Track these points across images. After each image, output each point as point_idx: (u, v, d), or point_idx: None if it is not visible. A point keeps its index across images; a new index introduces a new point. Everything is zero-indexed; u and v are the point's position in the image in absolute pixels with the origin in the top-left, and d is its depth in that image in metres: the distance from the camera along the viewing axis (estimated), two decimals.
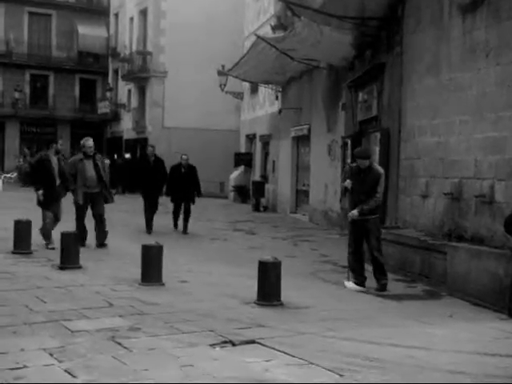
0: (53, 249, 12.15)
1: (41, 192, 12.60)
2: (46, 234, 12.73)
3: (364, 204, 10.03)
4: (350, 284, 10.10)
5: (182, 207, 17.22)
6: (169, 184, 17.07)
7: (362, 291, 9.92)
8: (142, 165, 17.09)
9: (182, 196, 17.04)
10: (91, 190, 13.22)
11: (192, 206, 17.25)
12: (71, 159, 13.84)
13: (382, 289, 9.95)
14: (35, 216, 12.70)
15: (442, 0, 11.83)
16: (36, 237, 12.49)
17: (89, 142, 13.39)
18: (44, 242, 12.69)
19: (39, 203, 12.83)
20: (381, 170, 10.31)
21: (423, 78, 12.55)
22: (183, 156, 17.40)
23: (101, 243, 13.33)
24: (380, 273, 10.10)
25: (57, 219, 12.96)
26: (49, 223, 12.75)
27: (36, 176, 12.97)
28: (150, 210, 16.61)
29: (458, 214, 10.97)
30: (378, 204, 10.15)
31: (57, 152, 13.14)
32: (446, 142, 11.50)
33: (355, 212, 10.09)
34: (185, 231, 17.05)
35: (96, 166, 13.29)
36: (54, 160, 12.88)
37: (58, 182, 12.82)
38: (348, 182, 10.26)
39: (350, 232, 10.36)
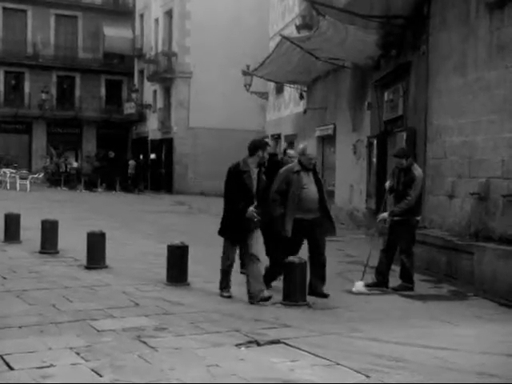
0: (229, 297, 8.86)
1: (252, 210, 8.53)
2: (223, 273, 8.98)
3: (395, 206, 9.95)
4: (359, 283, 9.87)
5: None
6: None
7: (366, 293, 9.66)
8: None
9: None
10: (308, 216, 9.08)
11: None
12: (282, 170, 9.41)
13: (399, 288, 9.85)
14: (60, 216, 12.70)
15: None
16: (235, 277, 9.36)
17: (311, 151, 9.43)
18: (258, 295, 8.57)
19: (223, 232, 8.90)
20: (418, 172, 10.00)
21: (449, 76, 12.44)
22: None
23: (318, 291, 9.13)
24: (403, 276, 10.02)
25: (253, 256, 8.66)
26: (223, 260, 8.95)
27: (232, 192, 8.74)
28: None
29: (485, 213, 10.86)
30: (409, 207, 9.85)
31: (260, 164, 8.87)
32: (472, 141, 11.39)
33: (385, 214, 10.02)
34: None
35: (318, 181, 9.32)
36: (254, 173, 8.79)
37: (254, 204, 8.71)
38: (388, 183, 10.29)
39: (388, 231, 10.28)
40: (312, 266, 9.12)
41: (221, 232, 8.88)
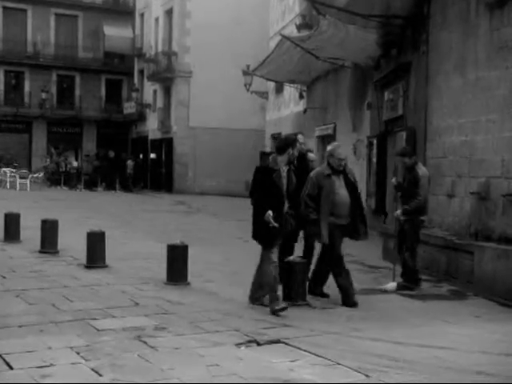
0: (284, 308, 7.87)
1: (270, 214, 7.82)
2: (269, 284, 8.10)
3: (407, 204, 10.01)
4: (393, 284, 10.01)
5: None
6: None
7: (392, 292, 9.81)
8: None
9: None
10: (341, 221, 8.73)
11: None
12: (313, 174, 8.88)
13: (398, 288, 9.87)
14: (60, 215, 12.70)
15: None
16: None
17: (341, 151, 8.88)
18: (258, 299, 8.43)
19: (255, 235, 8.26)
20: (422, 171, 10.08)
21: (449, 76, 12.44)
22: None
23: (318, 291, 9.11)
24: (404, 274, 10.04)
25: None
26: (274, 269, 8.07)
27: (260, 193, 8.12)
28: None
29: (485, 213, 10.86)
30: (419, 206, 9.97)
31: (290, 161, 8.38)
32: (472, 141, 11.39)
33: (399, 212, 10.12)
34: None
35: (350, 185, 8.84)
36: (284, 171, 8.23)
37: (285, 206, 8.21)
38: (394, 179, 10.37)
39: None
40: (318, 265, 9.10)
41: (254, 236, 8.28)
